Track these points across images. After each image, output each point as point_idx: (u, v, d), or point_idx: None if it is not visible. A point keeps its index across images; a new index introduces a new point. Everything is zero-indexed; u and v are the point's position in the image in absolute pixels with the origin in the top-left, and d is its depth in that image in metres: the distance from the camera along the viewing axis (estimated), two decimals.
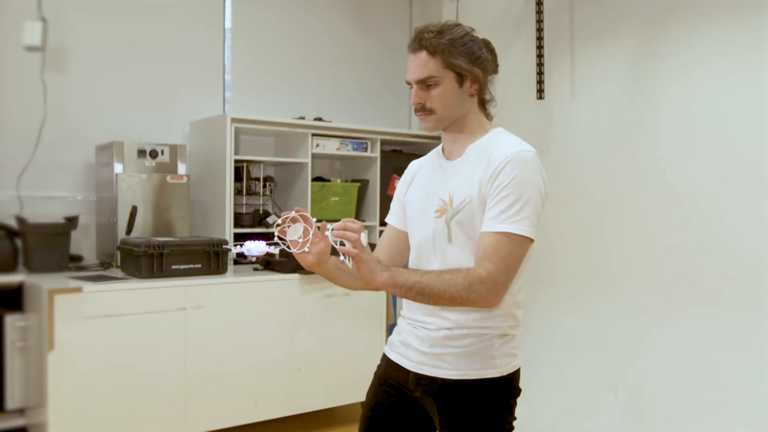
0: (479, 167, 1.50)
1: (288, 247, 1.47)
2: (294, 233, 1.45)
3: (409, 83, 1.55)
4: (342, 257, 1.39)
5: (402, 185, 1.73)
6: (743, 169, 2.67)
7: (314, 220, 1.46)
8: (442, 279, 1.41)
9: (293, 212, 1.46)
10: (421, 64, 1.51)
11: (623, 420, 2.94)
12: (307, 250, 1.45)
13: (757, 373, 2.58)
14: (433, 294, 1.41)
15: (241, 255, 1.50)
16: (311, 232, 1.44)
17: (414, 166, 1.74)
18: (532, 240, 1.45)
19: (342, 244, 1.40)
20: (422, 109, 1.54)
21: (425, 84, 1.52)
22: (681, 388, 2.79)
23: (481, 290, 1.40)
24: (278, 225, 1.46)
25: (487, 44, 1.58)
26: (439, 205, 1.55)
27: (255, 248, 1.52)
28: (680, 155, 2.88)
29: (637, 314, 3.00)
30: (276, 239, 1.47)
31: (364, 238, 1.41)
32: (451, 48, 1.50)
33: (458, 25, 1.54)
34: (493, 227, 1.44)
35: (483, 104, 1.60)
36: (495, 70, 1.60)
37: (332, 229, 1.41)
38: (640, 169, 3.03)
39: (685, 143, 2.86)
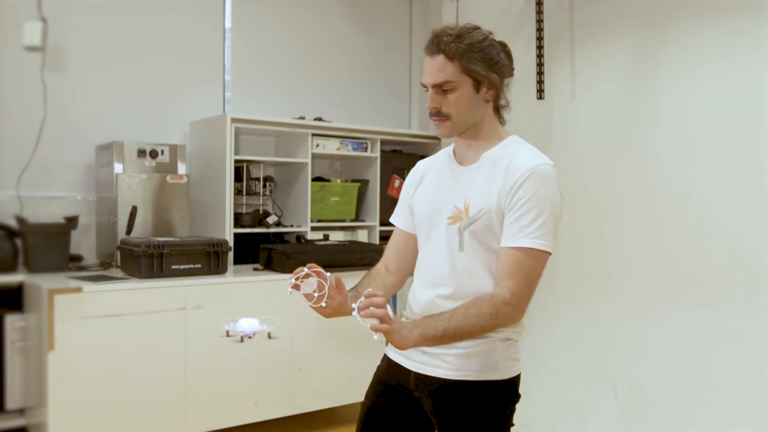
0: (497, 178, 1.49)
1: (304, 300, 1.47)
2: (308, 287, 1.46)
3: (424, 86, 1.53)
4: (375, 336, 1.35)
5: (409, 186, 1.70)
6: (743, 168, 2.66)
7: (328, 274, 1.46)
8: (468, 315, 1.41)
9: (305, 269, 1.46)
10: (438, 68, 1.49)
11: (623, 420, 2.93)
12: (323, 305, 1.46)
13: (756, 373, 2.58)
14: (465, 333, 1.42)
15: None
16: (326, 287, 1.45)
17: (422, 166, 1.71)
18: (550, 254, 1.47)
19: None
20: (437, 114, 1.52)
21: (441, 88, 1.49)
22: (681, 387, 2.79)
23: (508, 312, 1.42)
24: (292, 284, 1.47)
25: (503, 47, 1.56)
26: (453, 212, 1.53)
27: (248, 327, 1.56)
28: (680, 155, 2.87)
29: (637, 314, 3.00)
30: (290, 292, 1.47)
31: (390, 309, 1.37)
32: (469, 53, 1.48)
33: (477, 28, 1.52)
34: (514, 242, 1.44)
35: (497, 110, 1.59)
36: (511, 74, 1.59)
37: (358, 309, 1.36)
38: (640, 168, 3.03)
39: (685, 143, 2.86)
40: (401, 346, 1.38)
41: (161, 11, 3.66)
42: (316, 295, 1.44)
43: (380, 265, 1.72)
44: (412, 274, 1.70)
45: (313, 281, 1.45)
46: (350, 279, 3.49)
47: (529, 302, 1.46)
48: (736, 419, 2.59)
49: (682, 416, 2.75)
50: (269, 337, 1.57)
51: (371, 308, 1.33)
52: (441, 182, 1.61)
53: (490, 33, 1.54)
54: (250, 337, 1.57)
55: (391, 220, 1.75)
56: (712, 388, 2.69)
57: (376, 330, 1.33)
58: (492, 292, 1.44)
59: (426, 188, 1.64)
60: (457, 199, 1.53)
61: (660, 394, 2.85)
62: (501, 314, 1.41)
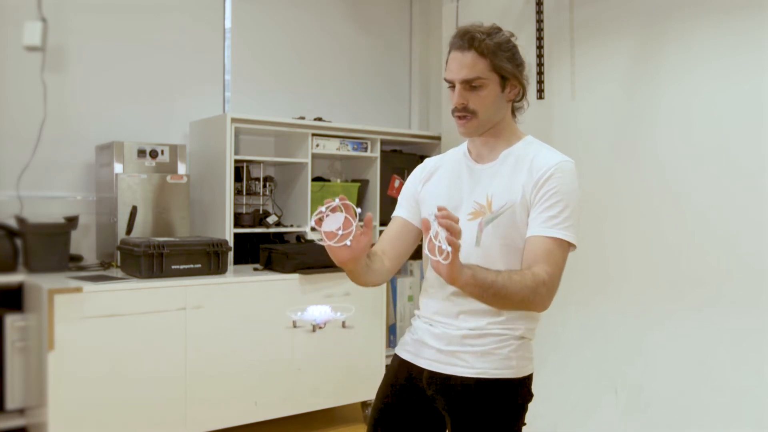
0: (521, 174, 1.50)
1: (323, 238, 1.31)
2: (332, 223, 1.29)
3: (449, 81, 1.53)
4: (446, 247, 1.20)
5: (417, 182, 1.69)
6: (743, 168, 2.66)
7: (358, 211, 1.33)
8: (513, 280, 1.38)
9: (336, 200, 1.33)
10: (468, 64, 1.49)
11: (624, 420, 2.94)
12: (348, 243, 1.31)
13: (757, 373, 2.58)
14: (507, 295, 1.38)
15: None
16: (354, 224, 1.30)
17: (431, 164, 1.70)
18: (575, 247, 1.49)
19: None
20: (464, 110, 1.52)
21: (470, 84, 1.50)
22: (681, 387, 2.79)
23: (543, 293, 1.42)
24: (318, 215, 1.32)
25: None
26: (474, 208, 1.54)
27: (321, 315, 1.35)
28: (680, 155, 2.87)
29: (637, 314, 3.00)
30: (311, 225, 1.31)
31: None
32: (499, 51, 1.50)
33: (501, 29, 1.55)
34: (545, 232, 1.45)
35: (512, 111, 1.61)
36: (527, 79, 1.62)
37: (437, 217, 1.24)
38: (640, 168, 3.03)
39: (685, 143, 2.86)
40: (453, 278, 1.30)
41: (161, 11, 3.66)
42: (340, 233, 1.28)
43: (377, 248, 1.65)
44: (400, 273, 1.69)
45: (339, 217, 1.28)
46: (349, 279, 3.48)
47: (555, 293, 1.46)
48: (736, 419, 2.59)
49: (683, 416, 2.75)
50: (343, 326, 1.40)
51: (453, 224, 1.24)
52: (457, 180, 1.60)
53: (513, 35, 1.56)
54: (321, 327, 1.38)
55: (394, 214, 1.71)
56: (713, 388, 2.69)
57: (450, 243, 1.22)
58: (532, 270, 1.42)
59: (437, 185, 1.64)
60: (478, 196, 1.54)
61: (660, 394, 2.85)
62: (538, 293, 1.40)
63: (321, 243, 1.30)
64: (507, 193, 1.51)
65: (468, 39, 1.50)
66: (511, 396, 1.52)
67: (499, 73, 1.51)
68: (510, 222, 1.49)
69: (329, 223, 1.29)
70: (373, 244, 1.52)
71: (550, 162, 1.50)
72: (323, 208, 1.29)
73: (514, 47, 1.55)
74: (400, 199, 1.72)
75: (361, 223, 1.38)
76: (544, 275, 1.41)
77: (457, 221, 1.26)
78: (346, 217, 1.28)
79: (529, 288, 1.39)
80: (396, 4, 4.58)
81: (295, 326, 1.30)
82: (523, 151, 1.55)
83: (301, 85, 4.14)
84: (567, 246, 1.47)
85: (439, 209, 1.26)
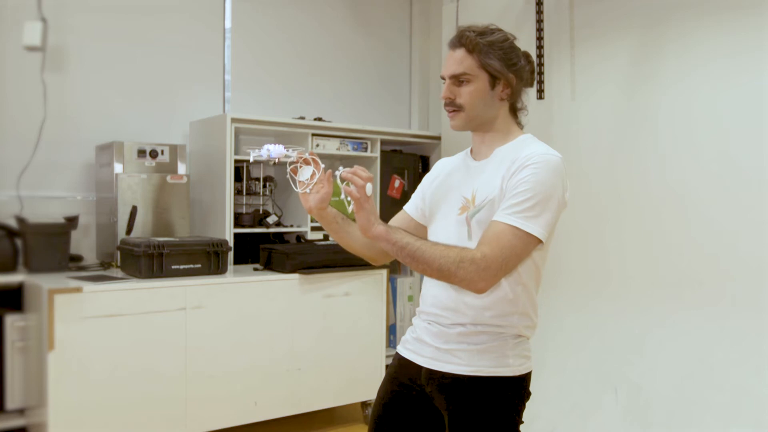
0: (503, 167, 1.53)
1: (295, 186, 1.57)
2: (304, 175, 1.55)
3: (443, 78, 1.60)
4: (345, 198, 1.46)
5: (427, 181, 1.76)
6: (744, 168, 2.66)
7: (322, 166, 1.56)
8: (435, 248, 1.44)
9: (307, 154, 1.54)
10: (457, 60, 1.55)
11: (624, 420, 2.94)
12: (308, 191, 1.55)
13: (757, 373, 2.58)
14: (423, 260, 1.44)
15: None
16: (317, 176, 1.54)
17: (441, 163, 1.78)
18: (538, 240, 1.46)
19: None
20: (451, 104, 1.58)
21: (458, 80, 1.56)
22: (681, 388, 2.79)
23: (470, 270, 1.41)
24: (292, 162, 1.56)
25: (526, 56, 1.62)
26: (462, 203, 1.57)
27: (274, 150, 1.57)
28: (680, 155, 2.87)
29: (638, 314, 3.00)
30: (288, 176, 1.56)
31: (369, 187, 1.47)
32: (489, 49, 1.54)
33: (500, 30, 1.59)
34: (502, 218, 1.46)
35: (514, 111, 1.64)
36: (530, 83, 1.64)
37: (341, 171, 1.49)
38: (641, 169, 3.03)
39: (685, 143, 2.86)
40: (365, 229, 1.48)
41: (161, 11, 3.66)
42: (306, 181, 1.55)
43: None
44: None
45: (310, 170, 1.55)
46: (349, 279, 3.50)
47: (497, 278, 1.45)
48: (736, 419, 2.59)
49: (683, 416, 2.75)
50: (299, 161, 1.60)
51: (355, 177, 1.45)
52: (456, 177, 1.66)
53: (514, 37, 1.60)
54: (276, 162, 1.63)
55: (404, 207, 1.79)
56: (713, 388, 2.69)
57: (348, 193, 1.46)
58: (466, 247, 1.46)
59: (441, 184, 1.70)
60: (466, 191, 1.58)
61: (660, 394, 2.85)
62: (462, 267, 1.41)
63: (296, 190, 1.58)
64: (489, 187, 1.53)
65: (458, 37, 1.56)
66: (507, 394, 1.52)
67: (488, 71, 1.55)
68: (490, 214, 1.50)
69: (302, 174, 1.57)
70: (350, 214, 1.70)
71: (531, 153, 1.50)
72: (294, 156, 1.56)
73: (510, 48, 1.57)
74: (413, 195, 1.80)
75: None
76: (476, 254, 1.41)
77: (370, 179, 1.46)
78: (313, 170, 1.56)
79: (450, 259, 1.42)
80: (396, 5, 4.58)
81: (253, 161, 1.64)
82: (513, 148, 1.57)
83: (301, 85, 4.14)
84: (522, 235, 1.44)
85: (355, 167, 1.48)
